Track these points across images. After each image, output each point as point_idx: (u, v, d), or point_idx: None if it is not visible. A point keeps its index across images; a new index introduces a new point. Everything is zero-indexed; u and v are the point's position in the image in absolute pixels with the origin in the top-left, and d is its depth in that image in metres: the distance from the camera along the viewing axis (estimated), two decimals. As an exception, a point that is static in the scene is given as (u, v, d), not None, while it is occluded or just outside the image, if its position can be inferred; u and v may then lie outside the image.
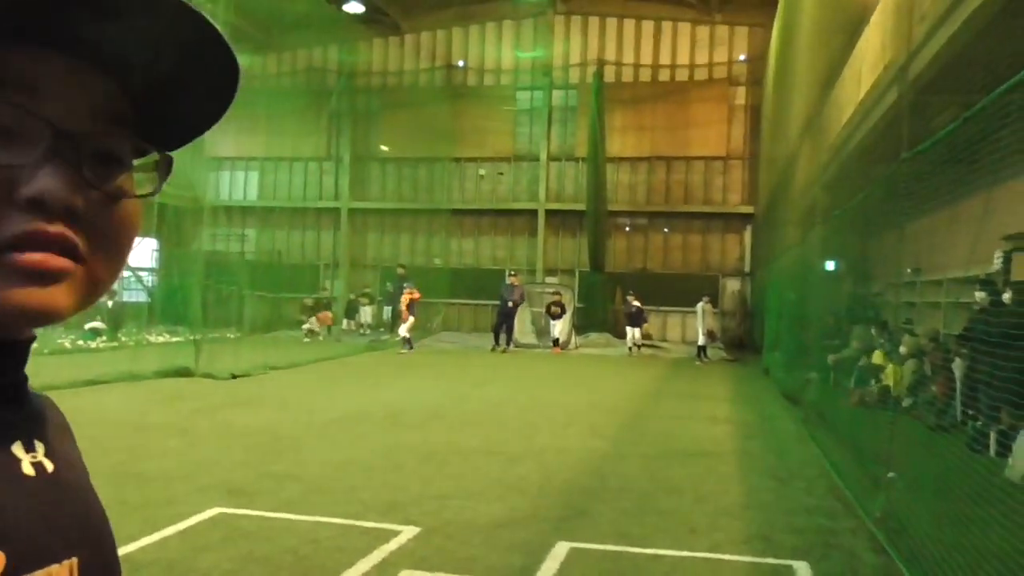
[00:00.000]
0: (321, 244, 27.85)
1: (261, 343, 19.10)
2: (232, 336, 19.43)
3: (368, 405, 10.52)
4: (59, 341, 17.39)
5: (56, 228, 0.56)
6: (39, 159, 0.55)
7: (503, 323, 20.22)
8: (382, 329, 23.46)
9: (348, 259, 27.40)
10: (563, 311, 20.52)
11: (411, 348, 19.07)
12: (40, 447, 0.65)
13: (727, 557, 4.90)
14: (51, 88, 0.57)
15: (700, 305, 19.78)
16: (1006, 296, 8.70)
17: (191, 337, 14.63)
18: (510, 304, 20.13)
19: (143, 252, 25.15)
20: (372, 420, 9.45)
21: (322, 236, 27.77)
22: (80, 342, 17.51)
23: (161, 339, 17.30)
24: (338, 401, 10.83)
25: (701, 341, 19.52)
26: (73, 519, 0.66)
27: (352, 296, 25.02)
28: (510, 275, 21.54)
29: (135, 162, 0.64)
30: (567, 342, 20.82)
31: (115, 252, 0.62)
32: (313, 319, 22.02)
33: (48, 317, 0.58)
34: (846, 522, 5.76)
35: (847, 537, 5.40)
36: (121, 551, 2.92)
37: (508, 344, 20.25)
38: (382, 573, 4.41)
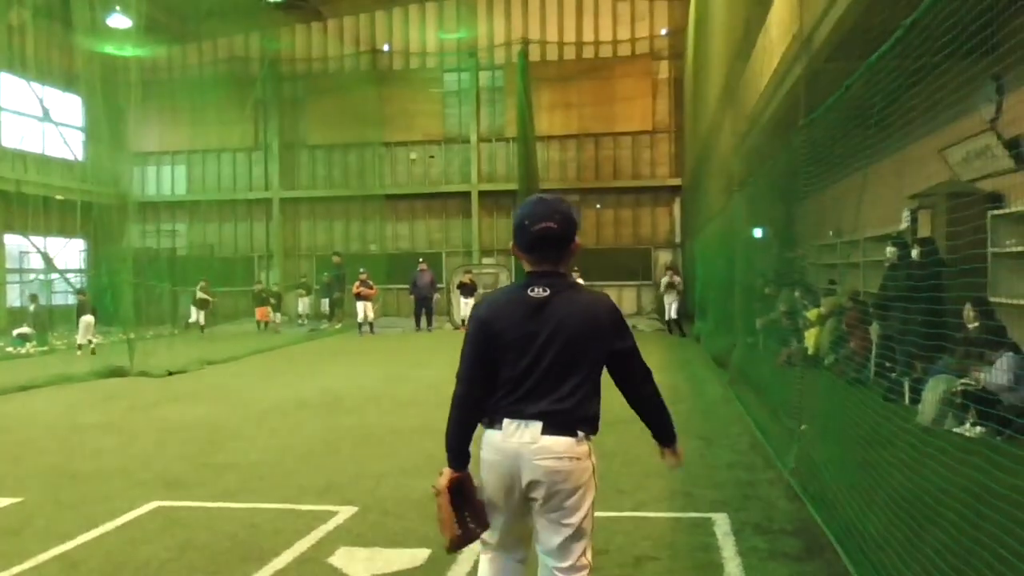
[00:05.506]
0: (254, 235, 27.51)
1: (197, 338, 18.91)
2: (167, 333, 19.20)
3: (306, 393, 10.58)
4: (-14, 349, 16.98)
5: None
6: None
7: (421, 308, 21.71)
8: (323, 320, 23.35)
9: (282, 249, 27.16)
10: (475, 289, 20.96)
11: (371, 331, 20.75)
12: None
13: (650, 514, 5.16)
14: None
15: (665, 279, 19.23)
16: (914, 252, 9.12)
17: (124, 336, 14.44)
18: (422, 289, 21.75)
19: (71, 253, 24.58)
20: (310, 407, 9.52)
21: (255, 227, 27.44)
22: (9, 349, 17.11)
23: (96, 340, 16.98)
24: (276, 391, 10.86)
25: (674, 315, 18.85)
26: None
27: (260, 287, 23.94)
28: (420, 263, 22.02)
29: None
30: None
31: None
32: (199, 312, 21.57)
33: None
34: (764, 474, 6.09)
35: (765, 488, 5.72)
36: (57, 550, 3.13)
37: (430, 326, 21.57)
38: (319, 551, 4.55)
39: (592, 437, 2.66)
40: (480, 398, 2.70)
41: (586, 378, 2.63)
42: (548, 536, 2.63)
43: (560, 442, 2.57)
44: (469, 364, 2.71)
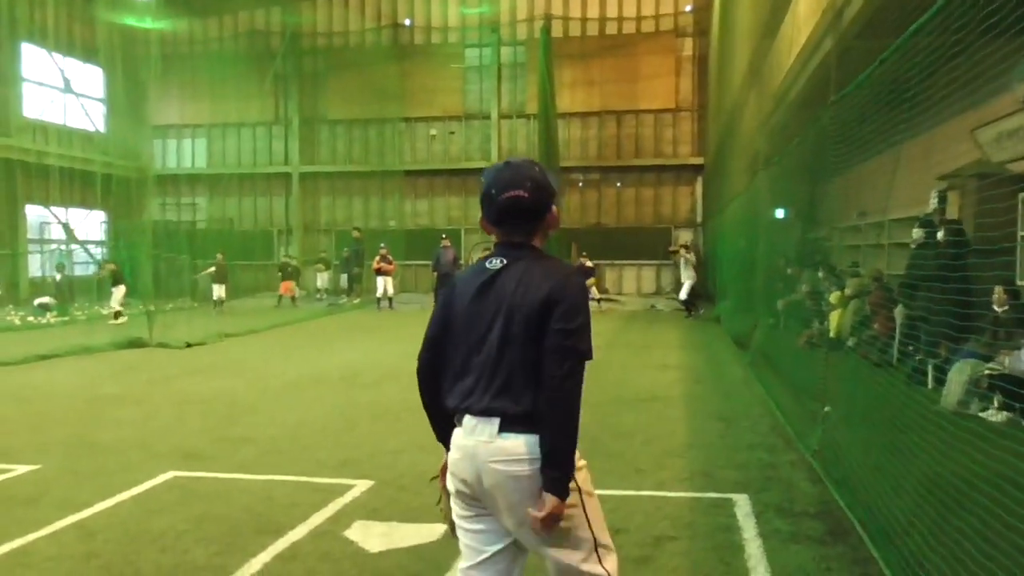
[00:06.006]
0: (273, 210, 27.54)
1: (217, 313, 18.99)
2: (186, 306, 19.30)
3: (324, 368, 10.58)
4: (8, 318, 17.13)
5: None
6: None
7: (442, 284, 21.28)
8: (342, 295, 23.38)
9: (301, 224, 27.18)
10: None
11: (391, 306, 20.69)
12: None
13: (670, 494, 5.09)
14: None
15: (684, 256, 18.36)
16: (939, 234, 8.95)
17: (143, 308, 14.50)
18: (444, 266, 21.43)
19: (92, 225, 24.73)
20: (328, 382, 9.51)
21: (274, 201, 27.48)
22: (30, 318, 17.24)
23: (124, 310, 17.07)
24: (294, 365, 10.87)
25: (683, 295, 17.98)
26: None
27: (287, 260, 23.76)
28: (443, 239, 21.93)
29: None
30: None
31: None
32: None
33: None
34: (786, 456, 6.00)
35: (786, 470, 5.63)
36: (73, 518, 3.07)
37: None
38: (335, 524, 4.52)
39: None
40: (432, 382, 2.41)
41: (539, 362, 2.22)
42: (540, 554, 2.28)
43: (520, 442, 2.18)
44: (424, 346, 2.44)
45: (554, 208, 2.37)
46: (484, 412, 2.22)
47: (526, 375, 2.19)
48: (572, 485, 2.21)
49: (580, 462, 2.29)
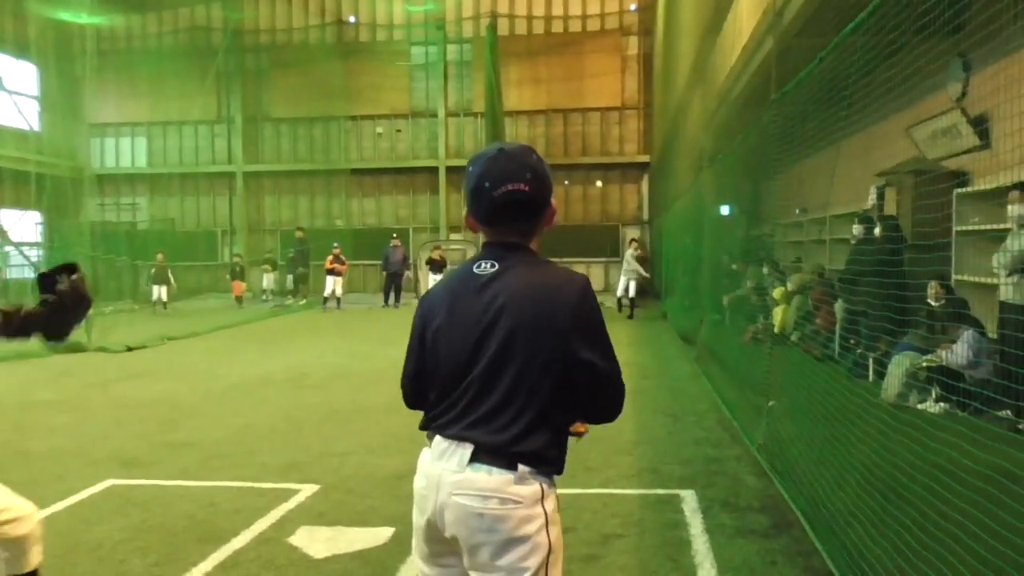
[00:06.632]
0: (217, 210, 27.03)
1: (160, 314, 18.59)
2: (126, 308, 18.84)
3: (270, 369, 10.40)
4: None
5: None
6: None
7: (391, 283, 21.58)
8: (288, 296, 23.07)
9: (246, 224, 26.72)
10: (444, 265, 20.54)
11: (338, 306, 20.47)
12: None
13: (617, 491, 5.10)
14: None
15: (628, 253, 17.57)
16: (876, 230, 9.14)
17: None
18: (393, 265, 21.62)
19: (26, 226, 23.98)
20: (274, 384, 9.36)
21: (217, 201, 26.96)
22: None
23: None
24: (239, 367, 10.67)
25: (631, 292, 17.18)
26: None
27: (238, 260, 23.61)
28: (393, 238, 21.86)
29: None
30: None
31: None
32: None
33: None
34: (732, 450, 6.07)
35: (732, 464, 5.70)
36: None
37: (397, 302, 21.34)
38: (280, 531, 4.43)
39: (548, 478, 1.95)
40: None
41: (538, 389, 1.90)
42: None
43: (491, 477, 1.88)
44: (407, 369, 2.15)
45: (553, 202, 2.09)
46: (457, 437, 1.93)
47: (519, 402, 1.90)
48: (543, 541, 1.92)
49: (557, 515, 2.00)
